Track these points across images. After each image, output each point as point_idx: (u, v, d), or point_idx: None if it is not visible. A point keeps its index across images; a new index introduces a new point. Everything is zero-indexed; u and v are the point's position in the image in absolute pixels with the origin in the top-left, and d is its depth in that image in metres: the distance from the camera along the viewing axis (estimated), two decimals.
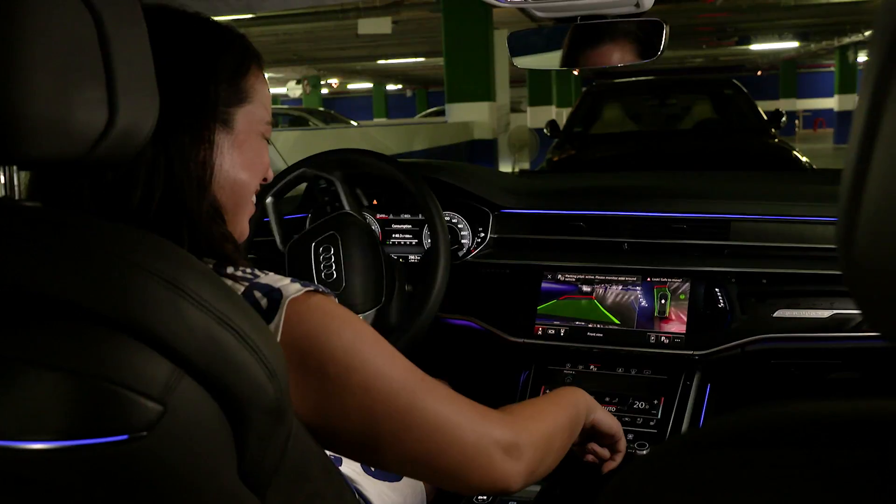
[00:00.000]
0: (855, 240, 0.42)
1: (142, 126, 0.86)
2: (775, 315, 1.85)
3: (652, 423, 1.85)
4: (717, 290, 1.89)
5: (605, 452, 1.50)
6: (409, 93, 36.75)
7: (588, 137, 8.19)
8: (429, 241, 2.09)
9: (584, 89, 9.40)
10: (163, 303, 0.76)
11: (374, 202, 2.25)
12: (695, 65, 29.62)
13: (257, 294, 0.97)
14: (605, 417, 1.44)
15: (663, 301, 1.91)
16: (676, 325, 1.88)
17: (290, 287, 0.98)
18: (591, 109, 8.57)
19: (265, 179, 1.20)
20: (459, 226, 2.15)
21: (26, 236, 0.78)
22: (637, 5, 1.78)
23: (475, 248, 2.13)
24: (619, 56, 1.86)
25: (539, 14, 1.86)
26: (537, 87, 18.20)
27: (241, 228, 1.18)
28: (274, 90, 33.63)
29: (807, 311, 1.83)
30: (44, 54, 0.75)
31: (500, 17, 12.28)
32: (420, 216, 2.19)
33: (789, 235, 1.90)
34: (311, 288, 1.00)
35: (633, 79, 10.23)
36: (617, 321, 1.94)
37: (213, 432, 0.80)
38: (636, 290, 1.94)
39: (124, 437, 0.74)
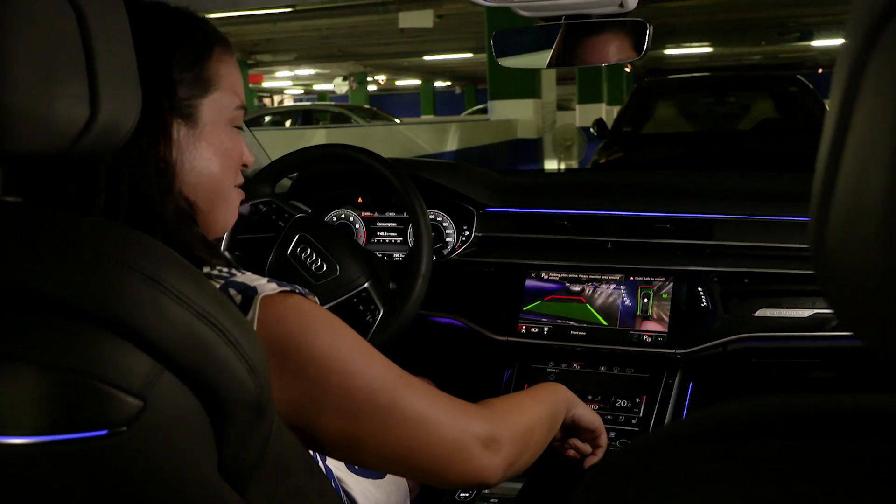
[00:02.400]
0: (825, 240, 0.42)
1: (124, 121, 0.86)
2: (757, 314, 1.91)
3: (634, 422, 1.90)
4: (699, 289, 1.95)
5: (586, 448, 1.53)
6: (458, 90, 36.75)
7: (638, 138, 8.00)
8: (413, 238, 2.15)
9: (635, 86, 9.13)
10: (143, 298, 0.77)
11: (360, 200, 2.32)
12: (752, 62, 29.30)
13: (232, 291, 0.99)
14: (586, 412, 1.46)
15: (646, 300, 1.97)
16: (659, 323, 1.95)
17: (265, 286, 1.00)
18: (641, 107, 8.35)
19: (245, 165, 1.21)
20: (444, 224, 2.21)
21: (6, 231, 0.79)
22: (621, 5, 1.86)
23: (460, 247, 2.20)
24: (603, 55, 1.93)
25: (523, 13, 1.94)
26: (587, 84, 18.05)
27: (224, 221, 1.20)
28: (321, 87, 33.84)
29: (788, 310, 1.89)
30: (25, 48, 0.75)
31: None
32: (405, 214, 2.24)
33: (772, 235, 1.96)
34: (288, 288, 1.02)
35: (689, 74, 10.01)
36: (600, 320, 2.00)
37: (194, 427, 0.81)
38: (620, 289, 2.01)
39: (104, 431, 0.75)
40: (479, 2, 1.79)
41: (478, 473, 1.11)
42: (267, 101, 35.78)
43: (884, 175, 0.37)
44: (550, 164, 12.49)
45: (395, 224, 2.30)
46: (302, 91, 37.70)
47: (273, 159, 2.08)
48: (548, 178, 2.52)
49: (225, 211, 1.19)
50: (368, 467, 1.12)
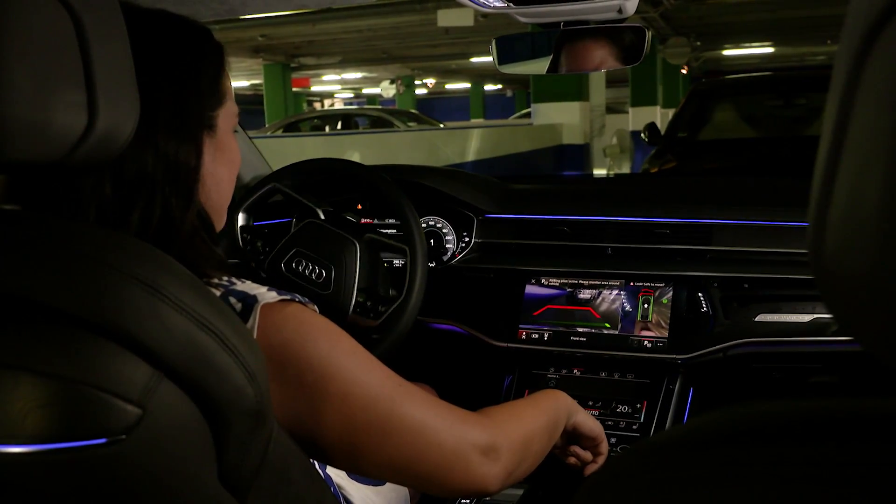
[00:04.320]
0: (824, 244, 0.43)
1: (122, 129, 0.87)
2: (757, 319, 1.97)
3: (635, 427, 1.97)
4: (699, 294, 2.01)
5: (587, 455, 1.56)
6: (509, 93, 36.67)
7: (694, 144, 7.66)
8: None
9: (692, 87, 8.72)
10: (142, 306, 0.80)
11: (359, 207, 2.39)
12: (815, 63, 28.71)
13: (232, 300, 1.02)
14: (587, 420, 1.49)
15: (646, 305, 2.04)
16: (659, 329, 2.01)
17: (265, 294, 1.04)
18: (698, 111, 8.00)
19: None
20: (444, 231, 2.28)
21: (4, 239, 0.82)
22: (620, 11, 1.93)
23: (459, 253, 2.27)
24: (603, 62, 2.01)
25: (522, 20, 2.03)
26: (640, 86, 17.89)
27: (222, 223, 1.23)
28: (370, 90, 33.99)
29: (788, 315, 1.95)
30: (22, 57, 0.75)
31: None
32: None
33: (771, 240, 2.02)
34: (288, 297, 1.06)
35: (752, 74, 9.60)
36: (600, 326, 2.06)
37: (193, 435, 0.84)
38: (620, 295, 2.08)
39: (103, 440, 0.77)
40: (479, 8, 1.87)
41: (477, 482, 1.14)
42: (317, 104, 35.93)
43: (881, 180, 0.38)
44: (599, 172, 12.36)
45: (394, 231, 2.35)
46: (352, 95, 37.83)
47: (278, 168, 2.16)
48: (547, 185, 2.59)
49: (224, 214, 1.24)
50: (368, 475, 1.15)
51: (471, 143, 10.86)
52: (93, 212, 1.00)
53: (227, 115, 1.17)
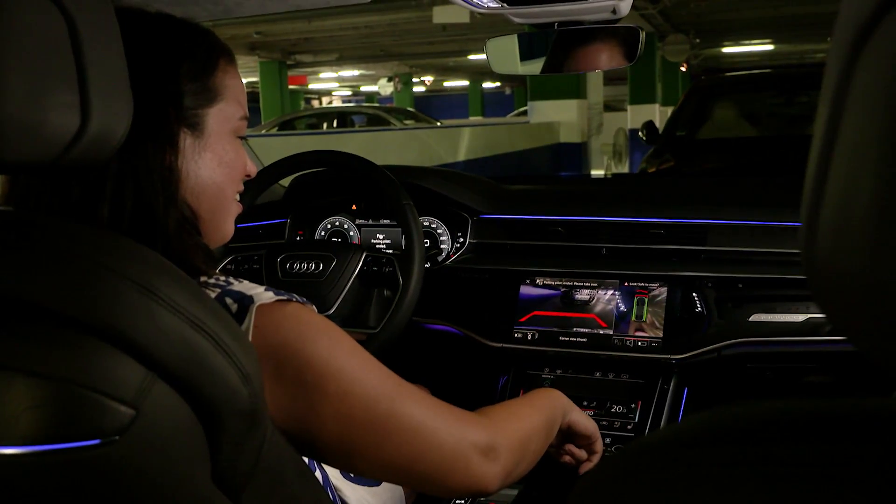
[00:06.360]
0: (816, 244, 0.43)
1: (115, 130, 0.88)
2: (751, 319, 1.99)
3: (629, 427, 1.99)
4: (694, 294, 2.03)
5: (581, 454, 1.59)
6: (507, 90, 36.70)
7: (693, 143, 7.60)
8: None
9: (691, 84, 8.61)
10: (136, 307, 0.80)
11: (353, 207, 2.41)
12: (816, 60, 28.64)
13: (228, 300, 1.03)
14: (582, 418, 1.52)
15: (641, 306, 2.06)
16: (654, 329, 2.03)
17: (262, 294, 1.04)
18: (697, 109, 7.94)
19: (248, 176, 1.24)
20: (439, 231, 2.31)
21: None
22: (614, 11, 1.95)
23: (454, 254, 2.29)
24: (597, 62, 2.02)
25: (516, 20, 2.04)
26: (639, 84, 17.91)
27: (225, 230, 1.23)
28: (368, 88, 34.00)
29: (782, 315, 1.97)
30: (15, 57, 0.76)
31: None
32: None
33: (765, 240, 2.04)
34: (285, 297, 1.06)
35: (753, 71, 9.55)
36: (595, 326, 2.08)
37: (187, 436, 0.84)
38: (614, 295, 2.09)
39: (96, 441, 0.78)
40: (472, 8, 1.89)
41: (476, 482, 1.15)
42: (315, 102, 35.98)
43: (871, 181, 0.38)
44: (597, 172, 12.34)
45: (389, 231, 2.39)
46: (350, 93, 37.87)
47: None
48: (542, 186, 2.61)
49: (225, 221, 1.22)
50: (366, 475, 1.16)
51: (464, 141, 10.76)
52: (57, 204, 1.02)
53: (222, 116, 1.17)
